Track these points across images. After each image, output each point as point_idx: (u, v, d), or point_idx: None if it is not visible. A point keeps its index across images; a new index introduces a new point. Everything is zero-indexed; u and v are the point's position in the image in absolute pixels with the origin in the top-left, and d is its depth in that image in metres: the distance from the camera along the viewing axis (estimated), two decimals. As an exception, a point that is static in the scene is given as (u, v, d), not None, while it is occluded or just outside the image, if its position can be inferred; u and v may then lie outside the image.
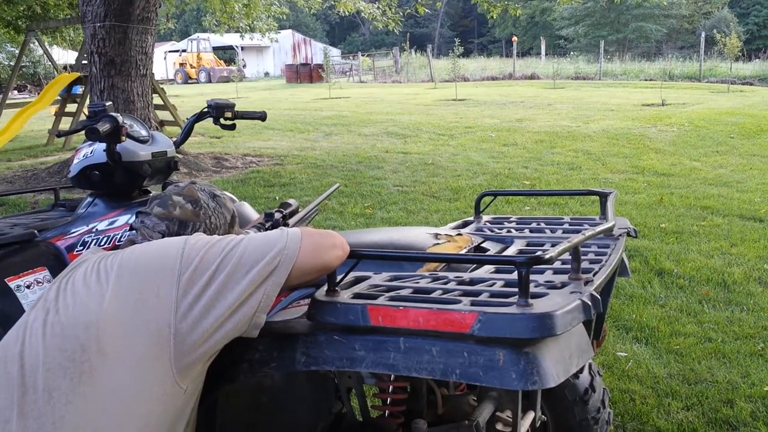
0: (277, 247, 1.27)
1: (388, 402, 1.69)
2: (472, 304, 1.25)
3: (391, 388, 1.67)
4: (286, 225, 1.83)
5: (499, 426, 1.69)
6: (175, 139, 2.19)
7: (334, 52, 39.76)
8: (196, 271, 1.23)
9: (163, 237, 1.41)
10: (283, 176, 7.62)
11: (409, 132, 11.13)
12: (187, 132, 2.27)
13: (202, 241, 1.28)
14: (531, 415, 1.81)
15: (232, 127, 2.25)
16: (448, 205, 6.30)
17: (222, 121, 2.22)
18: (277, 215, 1.80)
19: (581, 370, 2.04)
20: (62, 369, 1.16)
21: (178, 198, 1.45)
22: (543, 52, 31.44)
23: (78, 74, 10.73)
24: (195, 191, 1.48)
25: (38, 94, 13.65)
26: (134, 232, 1.47)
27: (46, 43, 14.67)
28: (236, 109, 2.27)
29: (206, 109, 2.21)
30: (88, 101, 9.70)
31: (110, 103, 1.92)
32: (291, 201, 1.91)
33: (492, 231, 2.09)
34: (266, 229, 1.75)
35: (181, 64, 36.59)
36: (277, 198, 6.60)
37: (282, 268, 1.26)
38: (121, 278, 1.24)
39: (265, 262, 1.25)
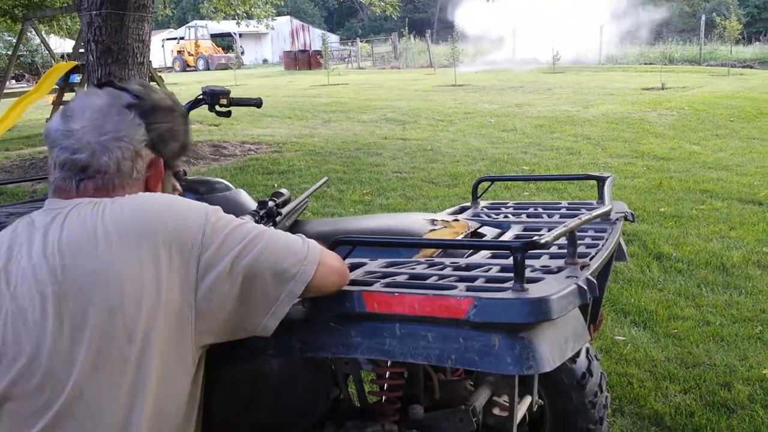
0: (298, 257, 1.23)
1: (385, 388, 1.69)
2: (468, 289, 1.26)
3: (388, 373, 1.67)
4: (279, 214, 1.83)
5: (495, 411, 1.69)
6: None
7: (333, 39, 39.57)
8: (217, 255, 1.16)
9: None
10: (281, 164, 7.61)
11: (408, 118, 11.10)
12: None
13: (223, 219, 1.21)
14: (528, 400, 1.81)
15: (228, 114, 2.24)
16: (447, 191, 6.29)
17: (217, 108, 2.20)
18: (271, 204, 1.80)
19: (578, 355, 2.04)
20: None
21: (137, 87, 1.29)
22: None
23: (75, 63, 10.68)
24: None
25: (36, 83, 13.61)
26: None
27: (43, 32, 14.61)
28: (232, 95, 2.25)
29: (201, 96, 2.20)
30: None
31: None
32: (283, 191, 1.91)
33: (489, 216, 2.09)
34: (260, 217, 1.75)
35: (179, 52, 36.43)
36: (275, 185, 6.59)
37: (299, 281, 1.22)
38: (124, 242, 1.14)
39: (282, 268, 1.21)
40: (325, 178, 2.29)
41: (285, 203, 1.89)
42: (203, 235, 1.17)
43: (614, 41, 25.60)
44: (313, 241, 1.28)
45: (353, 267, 1.48)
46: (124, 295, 1.11)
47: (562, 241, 1.39)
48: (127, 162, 1.24)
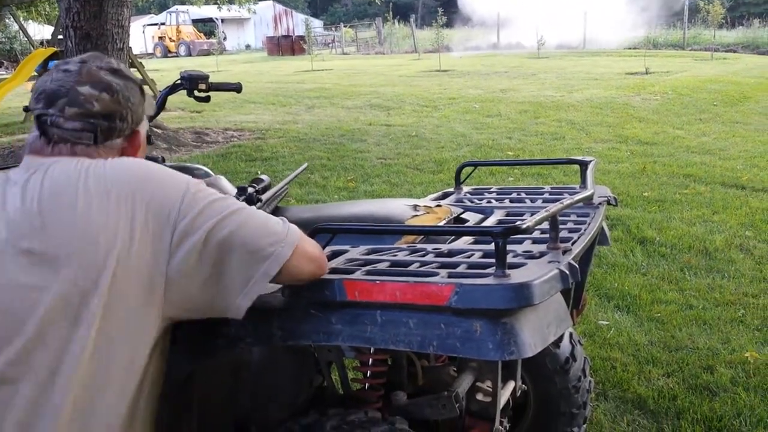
0: (275, 237, 1.21)
1: (369, 375, 1.68)
2: (450, 276, 1.24)
3: (371, 360, 1.67)
4: (259, 200, 1.80)
5: (479, 396, 1.69)
6: (148, 112, 2.14)
7: (316, 24, 39.29)
8: (193, 224, 1.16)
9: (94, 136, 1.24)
10: (264, 150, 7.56)
11: (392, 104, 11.06)
12: (161, 105, 2.22)
13: (204, 191, 1.20)
14: (511, 385, 1.81)
15: (207, 99, 2.20)
16: (432, 177, 6.28)
17: (196, 93, 2.16)
18: (250, 190, 1.78)
19: (561, 340, 2.05)
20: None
21: (85, 89, 1.24)
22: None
23: (54, 49, 10.55)
24: (96, 74, 1.27)
25: (14, 70, 13.40)
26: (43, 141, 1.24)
27: (21, 19, 14.38)
28: (211, 80, 2.22)
29: (179, 81, 2.16)
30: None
31: None
32: (263, 177, 1.88)
33: (472, 202, 2.07)
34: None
35: (160, 38, 35.99)
36: (258, 172, 6.55)
37: (274, 261, 1.19)
38: (103, 198, 1.15)
39: (258, 246, 1.19)
40: (305, 165, 2.27)
41: (265, 189, 1.87)
42: (182, 203, 1.17)
43: (598, 26, 25.60)
44: (294, 226, 1.27)
45: (334, 254, 1.46)
46: (97, 247, 1.12)
47: (545, 226, 1.39)
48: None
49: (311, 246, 1.27)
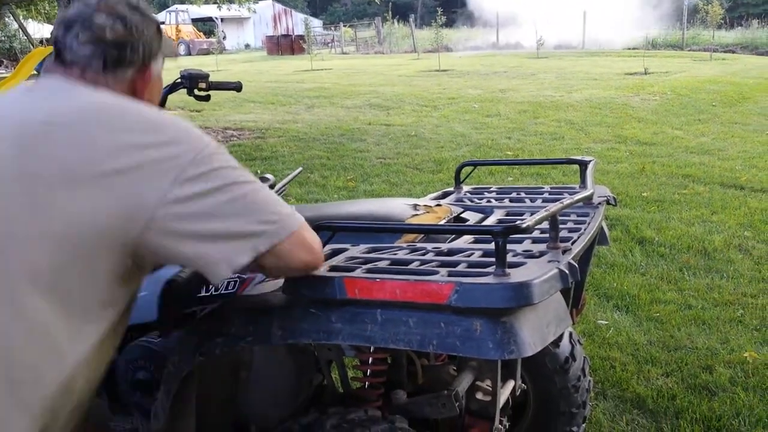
0: (276, 216, 1.18)
1: (368, 373, 1.69)
2: (450, 274, 1.24)
3: (371, 359, 1.67)
4: None
5: (479, 395, 1.69)
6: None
7: (316, 23, 39.26)
8: (200, 177, 1.12)
9: (103, 62, 1.25)
10: (264, 150, 7.56)
11: (391, 104, 11.06)
12: (161, 104, 2.22)
13: (225, 156, 1.19)
14: (511, 384, 1.82)
15: (207, 99, 2.21)
16: (431, 177, 6.28)
17: (196, 92, 2.17)
18: None
19: (561, 339, 2.05)
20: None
21: (101, 18, 1.26)
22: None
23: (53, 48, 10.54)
24: (114, 6, 1.29)
25: (14, 69, 13.38)
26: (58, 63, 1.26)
27: (20, 17, 14.37)
28: (211, 79, 2.22)
29: (179, 80, 2.16)
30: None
31: None
32: (268, 176, 1.88)
33: (472, 201, 2.07)
34: None
35: (161, 37, 35.95)
36: (258, 172, 6.55)
37: (267, 238, 1.17)
38: (105, 126, 1.12)
39: (255, 219, 1.17)
40: (300, 168, 2.27)
41: (271, 188, 1.86)
42: (197, 154, 1.14)
43: (598, 26, 25.61)
44: (299, 215, 1.25)
45: (334, 253, 1.46)
46: (80, 156, 1.08)
47: (545, 225, 1.39)
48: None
49: (311, 236, 1.25)
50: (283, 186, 2.04)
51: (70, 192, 1.07)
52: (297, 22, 43.42)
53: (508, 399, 1.80)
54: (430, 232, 1.64)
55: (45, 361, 1.07)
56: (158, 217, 1.10)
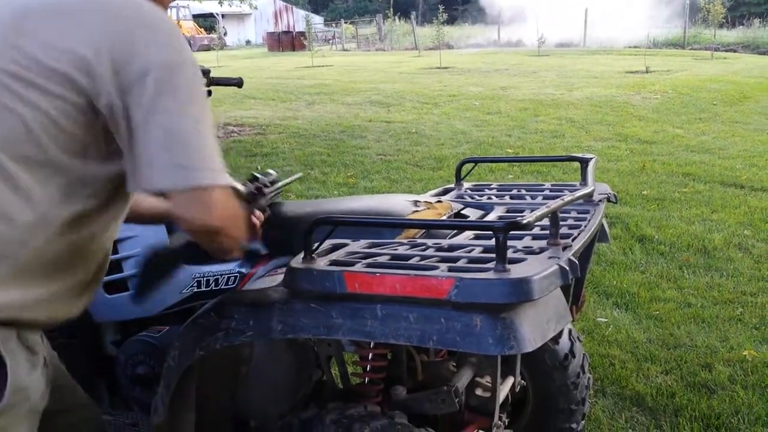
0: (199, 165, 1.08)
1: (368, 369, 1.69)
2: (450, 270, 1.25)
3: (371, 355, 1.67)
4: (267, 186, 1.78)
5: (478, 391, 1.70)
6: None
7: (317, 20, 39.26)
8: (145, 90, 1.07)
9: None
10: (265, 146, 7.55)
11: (392, 100, 11.05)
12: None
13: (196, 77, 1.13)
14: (510, 381, 1.82)
15: (208, 94, 2.20)
16: (432, 174, 6.28)
17: (197, 87, 2.16)
18: (262, 179, 1.75)
19: (561, 336, 2.05)
20: None
21: None
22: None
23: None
24: None
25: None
26: None
27: None
28: (212, 75, 2.21)
29: (181, 76, 2.15)
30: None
31: None
32: (271, 171, 1.88)
33: (472, 198, 2.07)
34: (250, 191, 1.67)
35: (161, 33, 35.93)
36: (258, 168, 6.55)
37: (180, 180, 1.09)
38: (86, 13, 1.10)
39: (179, 152, 1.07)
40: (299, 174, 2.27)
41: (273, 182, 1.85)
42: (171, 62, 1.10)
43: (599, 24, 25.58)
44: (229, 178, 1.16)
45: (335, 247, 1.46)
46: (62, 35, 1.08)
47: (545, 222, 1.39)
48: None
49: (230, 202, 1.16)
50: (280, 188, 2.03)
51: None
52: (298, 18, 43.40)
53: (507, 395, 1.81)
54: (430, 227, 1.64)
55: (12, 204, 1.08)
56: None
